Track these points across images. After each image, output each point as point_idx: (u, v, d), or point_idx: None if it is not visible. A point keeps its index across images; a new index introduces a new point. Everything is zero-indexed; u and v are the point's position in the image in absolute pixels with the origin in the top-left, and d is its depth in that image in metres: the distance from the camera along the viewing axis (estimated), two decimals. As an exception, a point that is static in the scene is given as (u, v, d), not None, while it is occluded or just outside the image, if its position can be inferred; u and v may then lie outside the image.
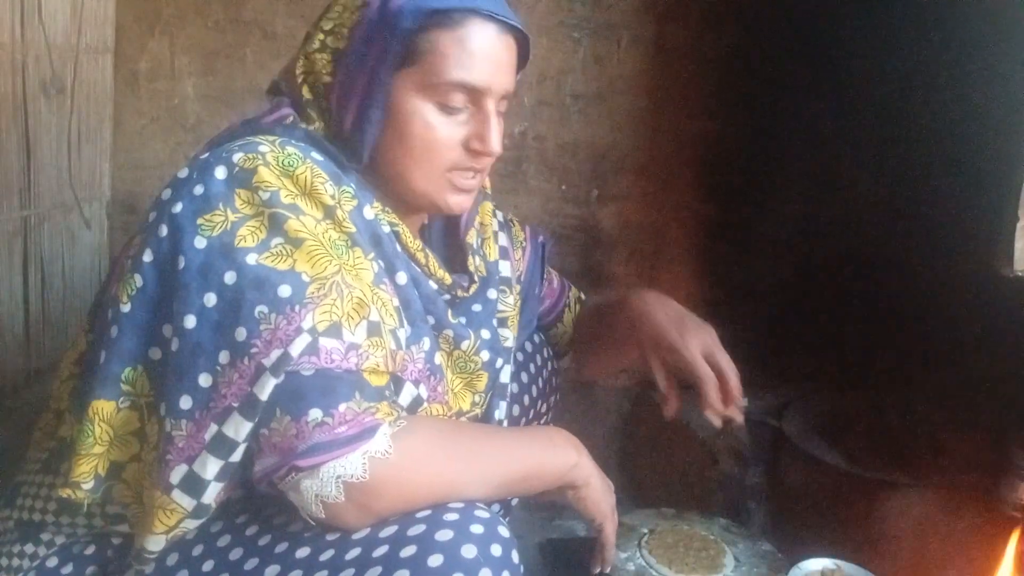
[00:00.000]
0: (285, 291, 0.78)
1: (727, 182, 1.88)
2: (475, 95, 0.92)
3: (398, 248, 0.93)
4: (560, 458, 0.93)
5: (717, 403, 1.11)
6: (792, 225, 1.87)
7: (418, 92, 0.90)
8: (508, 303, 1.12)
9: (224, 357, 0.78)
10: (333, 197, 0.85)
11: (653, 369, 1.14)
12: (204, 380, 0.78)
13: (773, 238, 1.88)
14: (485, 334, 1.05)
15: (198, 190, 0.82)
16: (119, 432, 0.84)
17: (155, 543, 0.82)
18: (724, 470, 1.52)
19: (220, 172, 0.83)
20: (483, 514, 0.80)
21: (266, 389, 0.76)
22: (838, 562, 1.18)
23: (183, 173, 0.85)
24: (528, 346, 1.25)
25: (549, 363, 1.29)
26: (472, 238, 1.09)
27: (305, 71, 0.93)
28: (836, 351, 1.76)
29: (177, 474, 0.79)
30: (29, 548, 0.91)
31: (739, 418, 1.13)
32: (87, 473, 0.84)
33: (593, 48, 1.83)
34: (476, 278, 1.07)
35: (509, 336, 1.11)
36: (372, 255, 0.88)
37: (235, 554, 0.83)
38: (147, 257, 0.82)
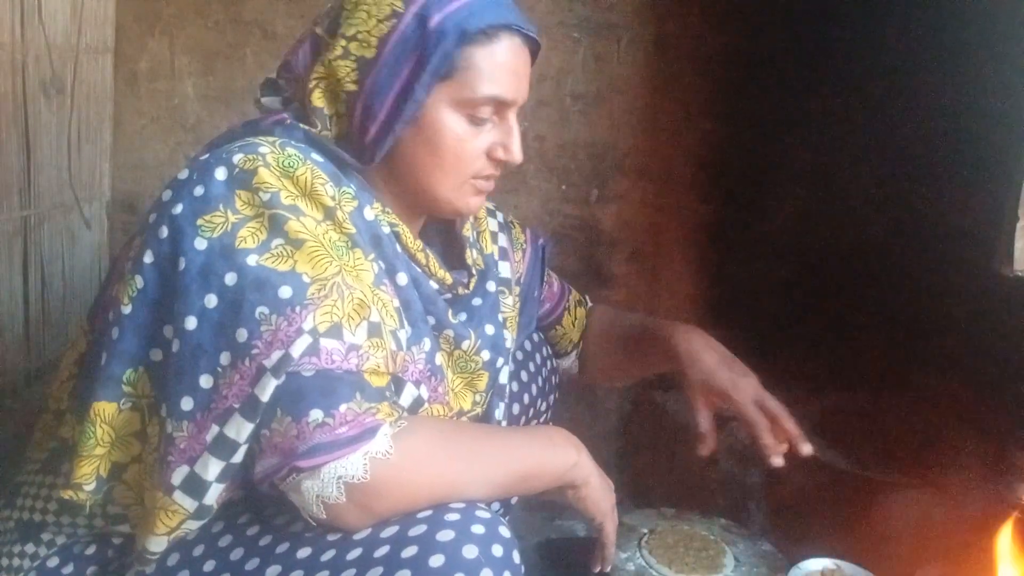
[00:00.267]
0: (286, 292, 0.78)
1: (727, 182, 1.88)
2: (501, 107, 0.94)
3: (398, 249, 0.94)
4: (560, 457, 0.93)
5: (773, 444, 1.15)
6: (792, 225, 1.87)
7: (450, 105, 0.91)
8: (508, 304, 1.12)
9: (225, 358, 0.78)
10: (333, 198, 0.85)
11: (697, 408, 1.17)
12: (205, 381, 0.78)
13: (773, 238, 1.88)
14: (489, 330, 1.06)
15: (198, 191, 0.82)
16: (120, 433, 0.84)
17: (157, 544, 0.82)
18: (724, 470, 1.52)
19: (220, 173, 0.83)
20: (484, 514, 0.80)
21: (267, 390, 0.76)
22: (838, 562, 1.18)
23: (183, 174, 0.85)
24: (527, 345, 1.25)
25: (548, 362, 1.30)
26: (468, 231, 1.09)
27: (322, 77, 0.92)
28: (836, 351, 1.75)
29: (179, 475, 0.79)
30: (30, 548, 0.91)
31: (807, 448, 1.17)
32: (89, 475, 0.84)
33: (593, 48, 1.83)
34: (474, 271, 1.07)
35: (508, 337, 1.11)
36: (372, 256, 0.88)
37: (236, 554, 0.83)
38: (148, 258, 0.82)
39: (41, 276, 1.69)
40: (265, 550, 0.82)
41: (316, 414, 0.77)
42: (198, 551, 0.84)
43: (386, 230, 0.92)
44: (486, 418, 1.08)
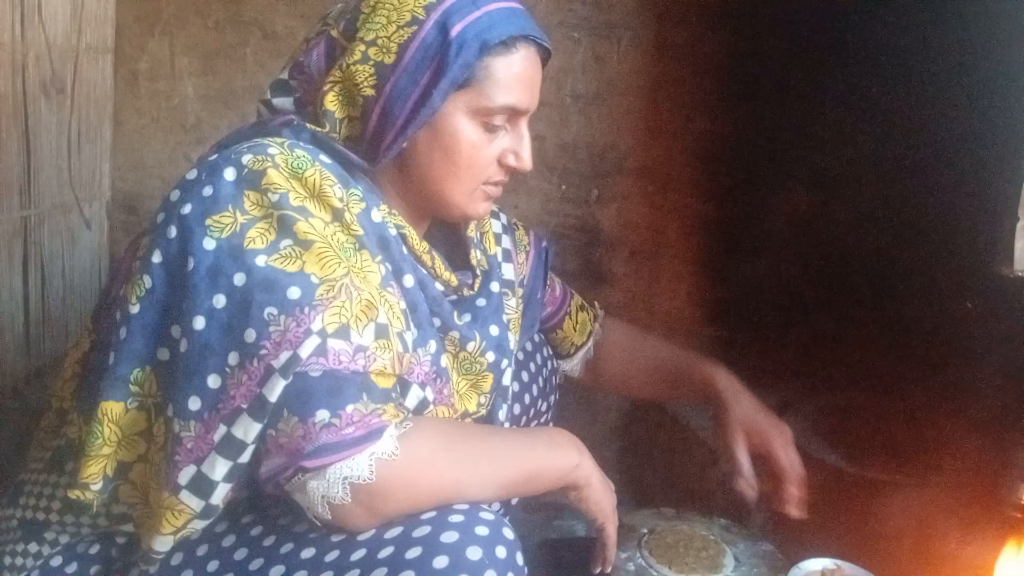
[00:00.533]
0: (294, 293, 0.78)
1: (727, 182, 1.88)
2: (514, 115, 0.95)
3: (404, 251, 0.94)
4: (562, 459, 0.93)
5: (798, 496, 1.16)
6: (792, 225, 1.87)
7: (466, 112, 0.92)
8: (511, 306, 1.12)
9: (233, 358, 0.78)
10: (341, 200, 0.85)
11: (737, 447, 1.17)
12: (213, 381, 0.78)
13: (773, 238, 1.88)
14: (494, 331, 1.06)
15: (207, 191, 0.82)
16: (126, 433, 0.84)
17: (162, 543, 0.83)
18: (724, 470, 1.52)
19: (229, 173, 0.83)
20: (488, 516, 0.81)
21: (275, 391, 0.77)
22: (838, 562, 1.18)
23: (192, 174, 0.85)
24: (528, 346, 1.26)
25: (549, 362, 1.30)
26: (471, 231, 1.10)
27: (337, 80, 0.92)
28: (836, 351, 1.76)
29: (185, 475, 0.79)
30: (33, 547, 0.91)
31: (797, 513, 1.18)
32: (96, 474, 0.84)
33: (593, 48, 1.83)
34: (478, 272, 1.07)
35: (511, 339, 1.11)
36: (379, 258, 0.88)
37: (240, 554, 0.83)
38: (156, 258, 0.82)
39: (41, 276, 1.70)
40: (269, 550, 0.82)
41: (323, 414, 0.77)
42: (202, 551, 0.85)
43: (393, 232, 0.92)
44: (489, 419, 1.09)
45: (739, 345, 1.92)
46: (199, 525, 0.82)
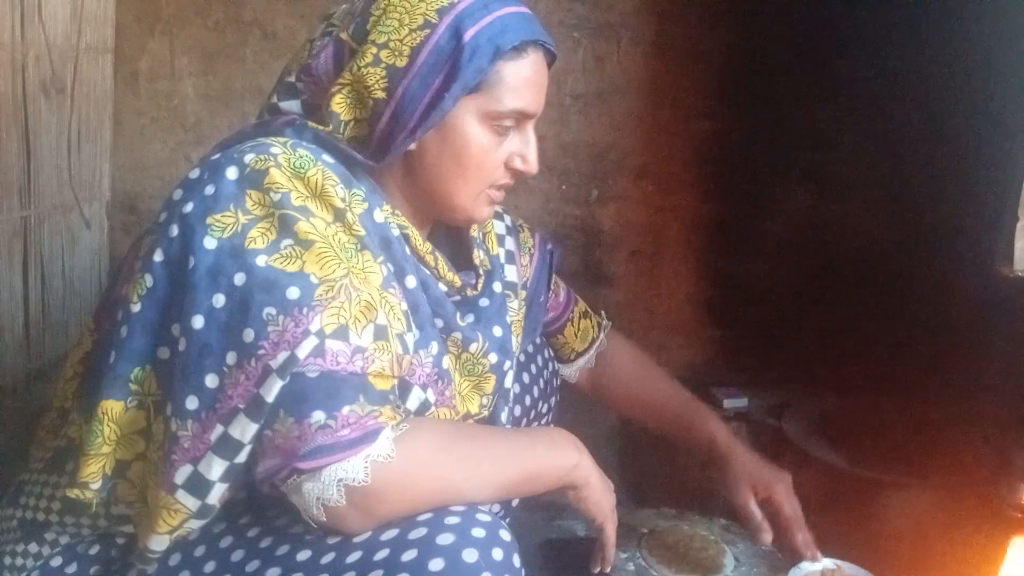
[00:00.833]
0: (293, 293, 0.78)
1: (727, 182, 1.88)
2: (522, 118, 0.96)
3: (407, 251, 0.94)
4: (561, 459, 0.93)
5: (807, 541, 1.18)
6: (791, 225, 1.87)
7: (476, 116, 0.92)
8: (512, 308, 1.12)
9: (231, 358, 0.78)
10: (343, 200, 0.85)
11: (747, 499, 1.19)
12: (211, 381, 0.78)
13: (773, 238, 1.88)
14: (497, 331, 1.05)
15: (209, 190, 0.82)
16: (125, 431, 0.84)
17: (159, 543, 0.82)
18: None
19: (232, 172, 0.83)
20: (485, 518, 0.80)
21: (272, 391, 0.76)
22: (838, 562, 1.18)
23: (194, 173, 0.85)
24: (529, 347, 1.25)
25: (550, 364, 1.29)
26: (474, 231, 1.09)
27: (347, 83, 0.91)
28: (836, 351, 1.76)
29: (182, 474, 0.79)
30: (33, 547, 0.91)
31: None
32: (95, 473, 0.83)
33: (593, 48, 1.83)
34: (482, 272, 1.07)
35: (514, 341, 1.11)
36: (381, 258, 0.88)
37: (237, 556, 0.83)
38: (158, 257, 0.82)
39: (41, 276, 1.69)
40: (266, 552, 0.82)
41: (318, 415, 0.77)
42: (199, 551, 0.84)
43: (395, 232, 0.92)
44: (491, 421, 1.08)
45: (739, 345, 1.92)
46: (195, 525, 0.82)
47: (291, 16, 1.84)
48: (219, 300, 0.78)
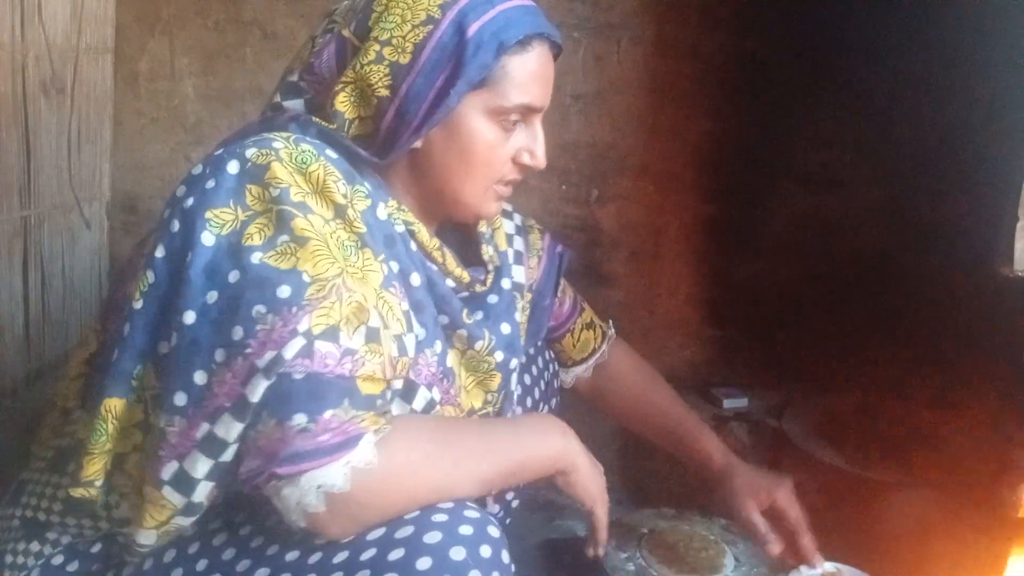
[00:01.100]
0: (284, 292, 0.77)
1: (727, 182, 1.88)
2: (529, 113, 0.94)
3: (413, 247, 0.93)
4: (548, 446, 0.92)
5: (812, 545, 1.17)
6: (792, 225, 1.87)
7: (482, 111, 0.91)
8: (517, 308, 1.11)
9: (219, 355, 0.77)
10: (345, 196, 0.84)
11: (750, 512, 1.18)
12: (200, 378, 0.77)
13: (773, 238, 1.88)
14: (505, 328, 1.05)
15: (210, 184, 0.82)
16: (124, 424, 0.84)
17: (146, 537, 0.82)
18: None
19: (232, 167, 0.82)
20: (473, 514, 0.79)
21: (257, 391, 0.75)
22: (838, 565, 1.18)
23: (197, 169, 0.84)
24: (531, 349, 1.25)
25: (551, 365, 1.29)
26: (483, 227, 1.09)
27: (350, 81, 0.90)
28: (836, 351, 1.76)
29: (168, 470, 0.78)
30: (35, 546, 0.91)
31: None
32: (99, 471, 0.83)
33: (593, 48, 1.83)
34: (491, 268, 1.06)
35: (521, 338, 1.10)
36: (383, 257, 0.87)
37: (228, 554, 0.82)
38: (159, 253, 0.82)
39: (41, 276, 1.69)
40: (256, 551, 0.81)
41: (300, 418, 0.75)
42: (193, 549, 0.84)
43: (400, 229, 0.91)
44: None
45: (739, 345, 1.92)
46: (183, 522, 0.82)
47: (291, 16, 1.84)
48: (212, 296, 0.78)
